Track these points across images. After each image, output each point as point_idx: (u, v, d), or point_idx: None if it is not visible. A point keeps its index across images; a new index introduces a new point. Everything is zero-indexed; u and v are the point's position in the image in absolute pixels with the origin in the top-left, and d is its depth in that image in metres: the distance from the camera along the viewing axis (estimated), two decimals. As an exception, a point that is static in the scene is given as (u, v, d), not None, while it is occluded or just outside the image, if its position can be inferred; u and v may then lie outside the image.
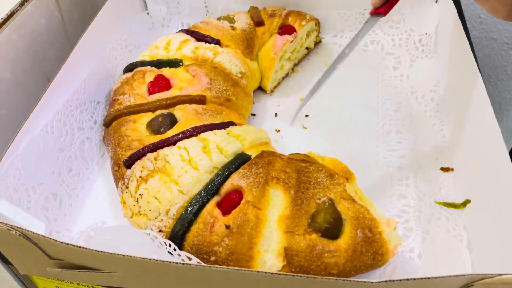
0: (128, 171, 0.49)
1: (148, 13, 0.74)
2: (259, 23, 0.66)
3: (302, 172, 0.45)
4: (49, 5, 0.59)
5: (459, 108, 0.57)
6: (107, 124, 0.55)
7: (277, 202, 0.44)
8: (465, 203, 0.50)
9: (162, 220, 0.45)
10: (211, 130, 0.51)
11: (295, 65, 0.71)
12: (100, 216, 0.51)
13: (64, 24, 0.62)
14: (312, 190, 0.44)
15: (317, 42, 0.74)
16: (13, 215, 0.40)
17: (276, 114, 0.64)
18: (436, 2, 0.69)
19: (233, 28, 0.65)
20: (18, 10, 0.53)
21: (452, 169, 0.55)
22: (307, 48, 0.72)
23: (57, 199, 0.50)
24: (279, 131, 0.62)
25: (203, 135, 0.50)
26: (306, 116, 0.64)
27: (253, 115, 0.64)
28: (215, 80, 0.56)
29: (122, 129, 0.52)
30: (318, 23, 0.72)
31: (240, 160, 0.48)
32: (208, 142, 0.49)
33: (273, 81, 0.66)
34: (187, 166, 0.46)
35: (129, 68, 0.61)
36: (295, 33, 0.66)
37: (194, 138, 0.49)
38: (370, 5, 0.52)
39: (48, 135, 0.50)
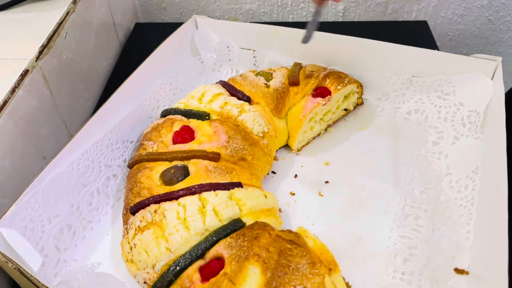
0: (132, 218, 0.52)
1: (199, 59, 0.78)
2: (293, 83, 0.66)
3: (284, 254, 0.44)
4: (39, 86, 0.61)
5: (492, 203, 0.52)
6: (130, 166, 0.60)
7: (253, 280, 0.43)
8: (470, 317, 0.45)
9: (148, 272, 0.48)
10: (215, 189, 0.52)
11: (329, 125, 0.69)
12: (103, 252, 0.55)
13: (54, 99, 0.64)
14: (289, 276, 0.43)
15: (359, 104, 0.72)
16: (16, 245, 0.46)
17: (296, 176, 0.64)
18: (492, 78, 0.64)
19: (267, 86, 0.66)
20: (10, 97, 0.54)
21: (467, 273, 0.50)
22: (345, 109, 0.70)
23: (71, 231, 0.55)
24: (294, 194, 0.61)
25: (204, 194, 0.51)
26: (326, 182, 0.62)
27: (273, 173, 0.64)
28: (233, 139, 0.58)
29: (138, 175, 0.56)
30: (360, 86, 0.70)
31: (232, 227, 0.49)
32: (207, 203, 0.50)
33: (301, 141, 0.66)
34: (180, 225, 0.48)
35: (165, 113, 0.65)
36: (328, 96, 0.65)
37: (196, 196, 0.51)
38: None
39: (74, 171, 0.55)
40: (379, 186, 0.61)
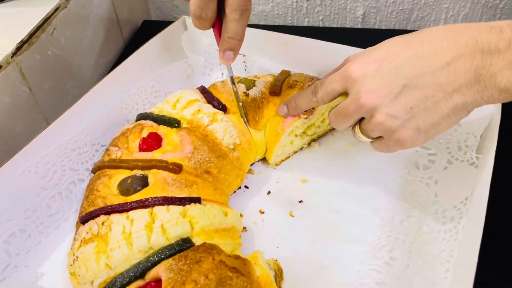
0: (81, 228, 0.50)
1: (187, 61, 0.75)
2: (273, 93, 0.61)
3: (223, 283, 0.40)
4: (14, 82, 0.60)
5: (468, 242, 0.46)
6: (93, 172, 0.57)
7: (187, 309, 0.40)
8: None
9: (87, 288, 0.45)
10: (169, 204, 0.48)
11: (313, 140, 0.65)
12: (56, 260, 0.53)
13: (34, 96, 0.63)
14: (223, 308, 0.39)
15: (349, 118, 0.67)
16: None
17: (269, 192, 0.59)
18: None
19: (246, 95, 0.62)
20: None
21: (438, 319, 0.44)
22: (333, 124, 0.65)
23: (25, 235, 0.53)
24: (263, 212, 0.57)
25: (156, 209, 0.48)
26: (300, 201, 0.58)
27: (246, 187, 0.60)
28: (199, 150, 0.54)
29: (97, 182, 0.53)
30: (350, 99, 0.64)
31: (179, 248, 0.45)
32: (156, 218, 0.47)
33: (279, 155, 0.62)
34: (123, 241, 0.45)
35: (139, 117, 0.62)
36: (311, 109, 0.60)
37: (146, 210, 0.48)
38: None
39: (31, 175, 0.54)
40: (357, 210, 0.56)
